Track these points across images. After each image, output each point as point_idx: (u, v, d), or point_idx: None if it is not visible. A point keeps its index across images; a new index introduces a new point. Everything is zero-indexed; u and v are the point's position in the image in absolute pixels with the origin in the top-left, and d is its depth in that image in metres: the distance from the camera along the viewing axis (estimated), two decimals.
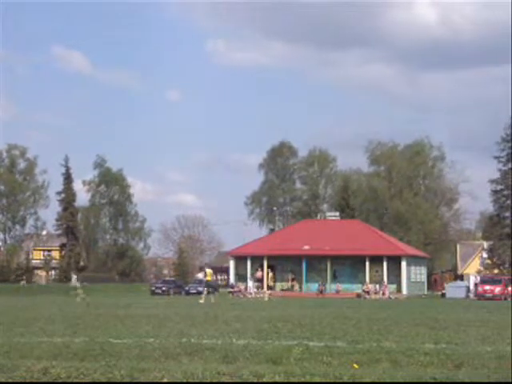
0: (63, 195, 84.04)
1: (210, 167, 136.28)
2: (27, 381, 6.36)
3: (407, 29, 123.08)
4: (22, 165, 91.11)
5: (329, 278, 61.06)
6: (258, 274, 60.80)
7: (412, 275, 62.63)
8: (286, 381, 6.26)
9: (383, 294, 56.08)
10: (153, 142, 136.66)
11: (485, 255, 72.94)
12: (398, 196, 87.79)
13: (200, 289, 58.70)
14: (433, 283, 73.75)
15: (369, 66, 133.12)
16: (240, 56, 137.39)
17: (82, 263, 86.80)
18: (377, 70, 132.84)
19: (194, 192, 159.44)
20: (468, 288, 55.53)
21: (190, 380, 6.29)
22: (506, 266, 67.61)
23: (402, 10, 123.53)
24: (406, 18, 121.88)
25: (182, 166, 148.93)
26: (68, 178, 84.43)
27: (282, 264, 62.80)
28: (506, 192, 69.96)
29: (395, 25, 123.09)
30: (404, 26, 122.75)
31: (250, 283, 59.02)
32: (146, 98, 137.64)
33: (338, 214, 72.61)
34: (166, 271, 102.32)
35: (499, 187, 70.52)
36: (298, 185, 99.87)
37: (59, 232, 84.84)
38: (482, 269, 70.46)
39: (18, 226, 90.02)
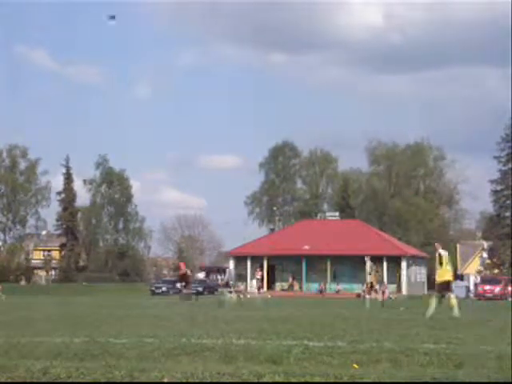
0: (63, 195, 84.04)
1: (182, 166, 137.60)
2: (27, 381, 6.35)
3: (360, 32, 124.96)
4: (22, 165, 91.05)
5: (329, 277, 61.07)
6: (258, 273, 60.44)
7: (412, 275, 62.65)
8: (285, 381, 6.25)
9: (383, 294, 56.04)
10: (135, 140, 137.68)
11: (485, 255, 72.95)
12: (397, 196, 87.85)
13: (200, 289, 58.87)
14: (433, 283, 73.77)
15: (328, 68, 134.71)
16: (187, 57, 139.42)
17: (81, 263, 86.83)
18: (336, 72, 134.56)
19: (178, 190, 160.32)
20: (468, 288, 55.55)
21: (190, 380, 6.29)
22: (506, 266, 67.62)
23: (353, 13, 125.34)
24: (358, 20, 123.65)
25: (160, 164, 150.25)
26: (68, 178, 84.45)
27: (282, 264, 62.84)
28: (506, 192, 69.99)
29: (348, 28, 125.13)
30: (356, 28, 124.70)
31: (254, 282, 59.08)
32: (118, 94, 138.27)
33: (337, 214, 72.65)
34: (165, 271, 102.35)
35: (499, 187, 70.56)
36: (299, 184, 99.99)
37: (59, 232, 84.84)
38: (482, 269, 70.46)
39: (18, 226, 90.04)
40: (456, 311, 17.67)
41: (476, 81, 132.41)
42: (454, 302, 17.97)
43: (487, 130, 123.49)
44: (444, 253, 18.85)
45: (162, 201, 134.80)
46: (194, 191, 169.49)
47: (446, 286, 18.35)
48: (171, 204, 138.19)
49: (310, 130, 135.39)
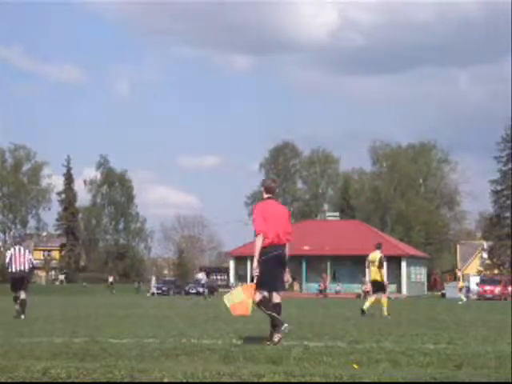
0: (64, 195, 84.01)
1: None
2: (27, 381, 6.35)
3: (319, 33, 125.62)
4: (26, 166, 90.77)
5: (329, 278, 61.06)
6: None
7: (412, 275, 62.66)
8: (285, 381, 6.25)
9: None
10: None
11: (485, 255, 72.95)
12: (400, 196, 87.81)
13: (200, 289, 58.84)
14: (433, 283, 73.75)
15: (294, 70, 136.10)
16: (152, 59, 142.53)
17: (82, 263, 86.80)
18: (302, 74, 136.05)
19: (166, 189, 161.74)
20: (468, 288, 55.56)
21: (190, 380, 6.28)
22: (506, 265, 67.62)
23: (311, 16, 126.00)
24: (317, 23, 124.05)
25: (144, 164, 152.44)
26: (69, 178, 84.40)
27: None
28: (506, 192, 69.98)
29: (308, 30, 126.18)
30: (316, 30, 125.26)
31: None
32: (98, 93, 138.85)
33: (337, 214, 72.66)
34: (166, 271, 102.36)
35: (499, 187, 70.54)
36: (299, 185, 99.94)
37: (59, 232, 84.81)
38: (482, 269, 70.48)
39: (18, 226, 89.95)
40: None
41: (444, 81, 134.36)
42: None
43: (463, 129, 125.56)
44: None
45: (150, 200, 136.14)
46: (185, 190, 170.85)
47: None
48: (162, 203, 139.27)
49: (289, 130, 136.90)
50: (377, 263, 17.72)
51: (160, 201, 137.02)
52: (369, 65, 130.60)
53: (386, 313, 17.48)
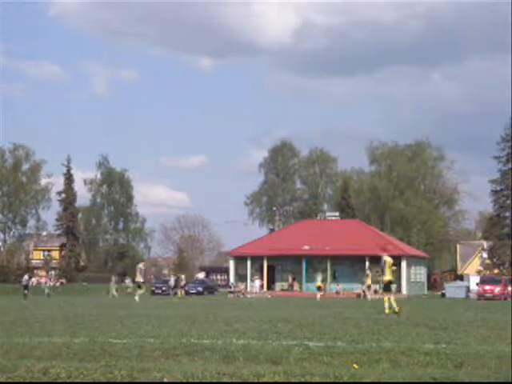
0: (63, 195, 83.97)
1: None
2: (27, 381, 6.35)
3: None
4: (25, 166, 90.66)
5: (329, 277, 61.04)
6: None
7: (412, 275, 62.63)
8: (285, 381, 6.25)
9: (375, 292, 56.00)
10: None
11: (485, 255, 72.90)
12: (399, 196, 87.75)
13: (200, 289, 58.89)
14: (432, 283, 73.74)
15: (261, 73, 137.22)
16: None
17: (82, 263, 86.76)
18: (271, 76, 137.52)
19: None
20: (468, 288, 55.53)
21: (190, 380, 6.29)
22: (506, 265, 67.58)
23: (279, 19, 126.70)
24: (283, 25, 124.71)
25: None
26: (69, 178, 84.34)
27: (282, 264, 62.81)
28: (505, 192, 69.94)
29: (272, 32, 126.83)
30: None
31: (257, 283, 59.12)
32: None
33: (337, 213, 72.61)
34: (165, 271, 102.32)
35: (499, 187, 70.50)
36: (299, 185, 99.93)
37: (59, 232, 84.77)
38: (482, 269, 70.43)
39: (18, 226, 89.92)
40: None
41: (416, 80, 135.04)
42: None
43: (439, 127, 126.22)
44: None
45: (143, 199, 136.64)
46: (178, 189, 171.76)
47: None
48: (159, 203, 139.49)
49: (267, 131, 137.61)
50: None
51: (156, 200, 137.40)
52: (337, 65, 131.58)
53: None
